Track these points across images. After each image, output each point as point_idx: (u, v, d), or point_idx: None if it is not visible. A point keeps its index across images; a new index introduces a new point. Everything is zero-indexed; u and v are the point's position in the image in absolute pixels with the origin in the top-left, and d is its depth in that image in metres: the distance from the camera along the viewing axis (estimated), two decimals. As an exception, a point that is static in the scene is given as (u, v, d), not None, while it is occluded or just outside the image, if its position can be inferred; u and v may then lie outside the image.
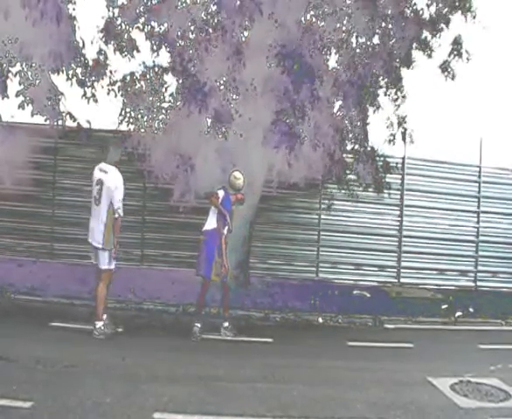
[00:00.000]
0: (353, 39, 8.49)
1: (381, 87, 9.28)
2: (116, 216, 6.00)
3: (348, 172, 10.17)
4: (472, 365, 5.72)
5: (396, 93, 9.39)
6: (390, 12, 8.30)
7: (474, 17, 8.57)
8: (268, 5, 7.48)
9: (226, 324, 6.63)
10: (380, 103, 9.42)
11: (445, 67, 9.22)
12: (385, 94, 9.45)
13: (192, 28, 8.04)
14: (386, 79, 9.11)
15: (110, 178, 6.02)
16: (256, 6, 7.29)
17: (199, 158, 8.25)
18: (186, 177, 8.24)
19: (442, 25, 8.75)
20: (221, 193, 6.66)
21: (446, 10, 8.57)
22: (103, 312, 6.10)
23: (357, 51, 8.54)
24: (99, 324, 6.05)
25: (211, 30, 7.87)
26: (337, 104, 8.98)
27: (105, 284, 6.12)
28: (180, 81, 8.14)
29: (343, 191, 10.79)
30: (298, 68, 7.26)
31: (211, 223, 6.64)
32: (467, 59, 9.00)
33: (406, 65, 9.17)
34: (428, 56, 9.17)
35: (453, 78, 9.25)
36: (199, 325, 6.46)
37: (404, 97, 9.53)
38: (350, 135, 9.58)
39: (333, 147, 8.84)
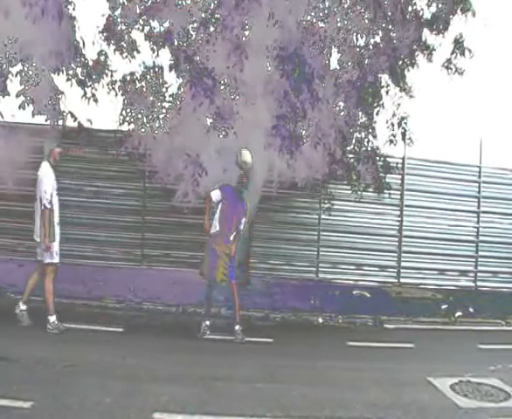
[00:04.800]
0: (354, 38, 8.47)
1: (382, 87, 9.26)
2: (42, 207, 6.00)
3: (348, 172, 10.15)
4: (472, 365, 5.72)
5: (401, 89, 9.34)
6: (390, 12, 8.27)
7: (474, 15, 8.55)
8: (268, 5, 7.48)
9: (238, 326, 6.61)
10: (383, 102, 9.40)
11: (448, 66, 9.21)
12: (387, 93, 9.43)
13: (193, 26, 8.04)
14: (389, 78, 9.08)
15: (39, 173, 6.13)
16: (256, 6, 7.29)
17: (200, 158, 8.24)
18: (190, 178, 8.21)
19: (443, 26, 8.73)
20: (215, 194, 6.66)
21: (446, 10, 8.55)
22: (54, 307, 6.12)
23: (358, 50, 8.53)
24: (52, 318, 6.05)
25: (211, 28, 7.88)
26: (339, 104, 8.97)
27: (50, 278, 6.12)
28: (186, 74, 8.11)
29: (346, 191, 10.80)
30: (298, 75, 7.25)
31: (214, 225, 6.69)
32: (470, 56, 8.97)
33: (409, 65, 9.15)
34: (428, 59, 9.16)
35: (460, 74, 9.21)
36: (208, 323, 6.59)
37: (410, 90, 9.46)
38: (355, 135, 9.58)
39: (334, 146, 8.83)
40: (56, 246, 6.13)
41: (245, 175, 6.76)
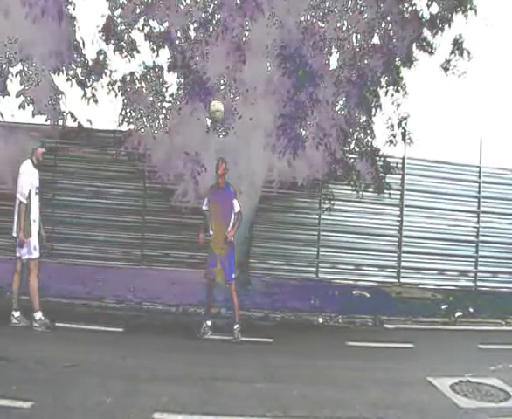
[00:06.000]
0: (353, 39, 8.48)
1: (381, 87, 9.26)
2: (18, 202, 6.02)
3: (348, 172, 10.16)
4: (472, 365, 5.72)
5: (397, 90, 9.35)
6: (389, 12, 8.28)
7: (476, 14, 8.54)
8: (268, 5, 7.49)
9: (237, 325, 6.61)
10: (381, 103, 9.41)
11: (446, 66, 9.21)
12: (386, 94, 9.44)
13: (193, 27, 8.05)
14: (387, 78, 9.09)
15: (20, 169, 6.15)
16: (256, 6, 7.30)
17: (199, 157, 8.25)
18: (190, 177, 8.21)
19: (443, 25, 8.73)
20: (204, 204, 6.79)
21: (446, 10, 8.55)
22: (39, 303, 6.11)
23: (358, 50, 8.53)
24: (38, 315, 6.04)
25: (211, 29, 7.88)
26: (339, 104, 8.97)
27: (34, 274, 6.12)
28: (182, 79, 8.13)
29: (345, 191, 10.81)
30: (302, 73, 7.25)
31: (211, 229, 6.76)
32: (468, 58, 8.99)
33: (407, 65, 9.16)
34: (430, 53, 9.15)
35: (459, 76, 9.23)
36: (209, 323, 6.61)
37: (405, 93, 9.48)
38: (354, 135, 9.59)
39: (334, 146, 8.83)
40: (34, 241, 6.13)
41: (219, 162, 6.65)
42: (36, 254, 6.15)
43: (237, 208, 6.61)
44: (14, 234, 6.15)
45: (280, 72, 7.53)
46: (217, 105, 6.70)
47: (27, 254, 6.09)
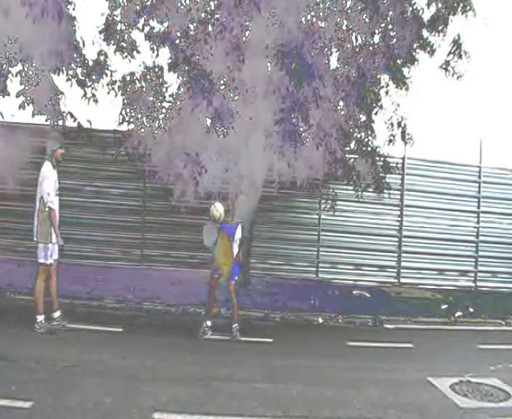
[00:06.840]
0: (353, 38, 8.47)
1: (381, 87, 9.26)
2: (47, 209, 6.01)
3: (348, 172, 10.15)
4: (472, 365, 5.73)
5: (400, 86, 9.34)
6: (390, 12, 8.27)
7: (474, 14, 8.53)
8: (268, 5, 7.48)
9: (235, 325, 6.62)
10: (382, 103, 9.40)
11: (446, 67, 9.21)
12: (386, 93, 9.43)
13: (192, 26, 8.05)
14: (387, 77, 9.08)
15: (40, 172, 6.11)
16: (255, 5, 7.29)
17: (199, 157, 8.24)
18: (190, 177, 8.20)
19: (443, 26, 8.73)
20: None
21: (445, 11, 8.55)
22: (43, 306, 6.07)
23: (358, 50, 8.52)
24: (39, 318, 6.02)
25: (210, 28, 7.88)
26: (339, 103, 8.96)
27: (41, 279, 6.09)
28: (183, 78, 8.12)
29: (345, 191, 10.81)
30: (297, 66, 7.23)
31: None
32: (467, 59, 8.99)
33: (407, 64, 9.16)
34: (430, 54, 9.15)
35: (457, 78, 9.22)
36: (209, 323, 6.63)
37: (407, 90, 9.46)
38: (354, 135, 9.59)
39: (334, 146, 8.82)
40: (52, 248, 6.10)
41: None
42: (50, 261, 6.13)
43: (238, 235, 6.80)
44: (35, 239, 6.11)
45: (278, 69, 7.50)
46: (218, 208, 6.79)
47: (43, 258, 6.07)
